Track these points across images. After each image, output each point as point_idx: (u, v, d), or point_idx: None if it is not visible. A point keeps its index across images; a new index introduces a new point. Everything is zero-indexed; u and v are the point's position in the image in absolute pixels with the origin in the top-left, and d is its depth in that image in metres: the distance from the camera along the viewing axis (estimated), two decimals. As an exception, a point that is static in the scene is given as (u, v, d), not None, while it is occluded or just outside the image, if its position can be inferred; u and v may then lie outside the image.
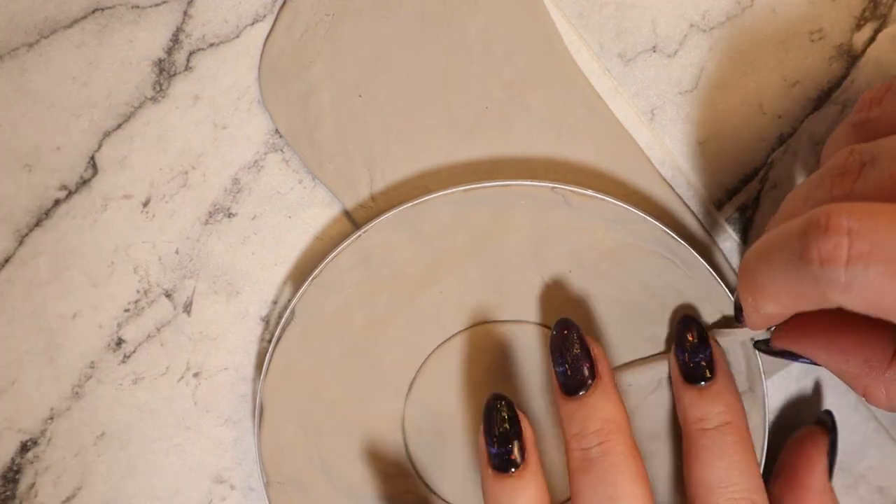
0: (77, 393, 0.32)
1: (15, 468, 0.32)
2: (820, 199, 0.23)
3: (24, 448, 0.32)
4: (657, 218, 0.31)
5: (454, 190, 0.30)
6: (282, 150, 0.32)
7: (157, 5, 0.31)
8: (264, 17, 0.31)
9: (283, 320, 0.31)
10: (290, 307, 0.31)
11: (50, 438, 0.32)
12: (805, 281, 0.21)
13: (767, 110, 0.32)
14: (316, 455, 0.31)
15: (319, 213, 0.32)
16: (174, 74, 0.31)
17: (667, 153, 0.32)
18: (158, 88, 0.31)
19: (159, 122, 0.31)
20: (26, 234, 0.31)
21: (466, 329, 0.32)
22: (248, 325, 0.33)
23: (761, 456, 0.31)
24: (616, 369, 0.31)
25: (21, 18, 0.30)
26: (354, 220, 0.32)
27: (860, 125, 0.25)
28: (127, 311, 0.32)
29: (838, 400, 0.34)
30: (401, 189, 0.32)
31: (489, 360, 0.32)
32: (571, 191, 0.30)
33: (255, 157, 0.32)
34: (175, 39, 0.31)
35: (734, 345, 0.31)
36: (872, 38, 0.32)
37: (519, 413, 0.28)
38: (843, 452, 0.34)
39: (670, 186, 0.32)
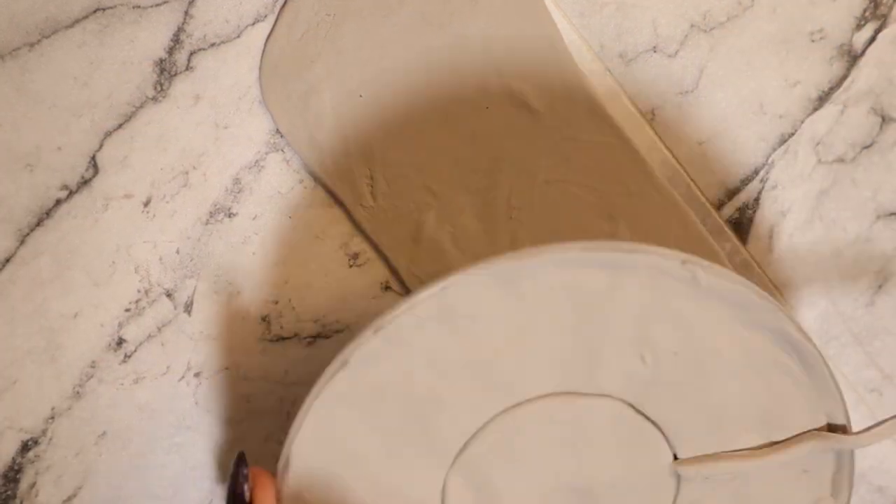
0: (78, 392, 0.32)
1: (16, 467, 0.32)
2: None
3: (25, 447, 0.32)
4: (789, 311, 0.28)
5: (569, 247, 0.26)
6: (283, 150, 0.32)
7: (158, 5, 0.31)
8: (265, 17, 0.31)
9: (330, 369, 0.27)
10: (343, 356, 0.26)
11: (51, 438, 0.32)
12: None
13: (768, 110, 0.32)
14: None
15: (320, 213, 0.32)
16: (175, 74, 0.31)
17: (667, 153, 0.32)
18: (159, 88, 0.31)
19: (160, 121, 0.31)
20: (28, 234, 0.31)
21: (540, 397, 0.28)
22: (248, 325, 0.33)
23: None
24: (699, 458, 0.29)
25: (22, 18, 0.30)
26: (355, 220, 0.32)
27: None
28: (128, 310, 0.32)
29: (838, 400, 0.34)
30: (401, 189, 0.32)
31: (558, 435, 0.28)
32: (703, 268, 0.26)
33: (255, 156, 0.32)
34: (176, 39, 0.31)
35: (827, 452, 0.28)
36: (873, 38, 0.32)
37: (252, 474, 0.27)
38: (843, 452, 0.34)
39: (670, 186, 0.32)
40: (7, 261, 0.32)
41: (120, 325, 0.32)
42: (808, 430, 0.28)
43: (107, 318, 0.32)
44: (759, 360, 0.28)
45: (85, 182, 0.31)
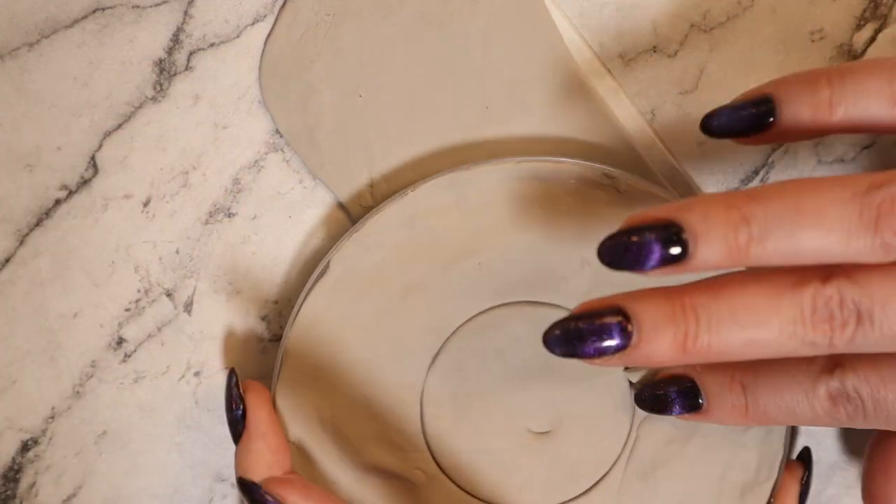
0: (78, 392, 0.32)
1: (16, 467, 0.32)
2: None
3: (25, 447, 0.32)
4: None
5: (507, 160, 0.30)
6: (282, 150, 0.32)
7: (157, 5, 0.31)
8: (265, 16, 0.31)
9: (315, 272, 0.30)
10: (326, 260, 0.30)
11: (51, 438, 0.32)
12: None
13: (768, 110, 0.32)
14: (328, 416, 0.31)
15: (320, 213, 0.32)
16: (175, 74, 0.31)
17: (667, 153, 0.32)
18: (159, 88, 0.31)
19: (160, 121, 0.31)
20: (27, 234, 0.31)
21: (500, 306, 0.31)
22: (248, 324, 0.33)
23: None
24: (641, 368, 0.30)
25: (22, 18, 0.30)
26: (355, 220, 0.32)
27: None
28: (128, 310, 0.32)
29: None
30: (401, 189, 0.32)
31: (520, 341, 0.31)
32: (622, 176, 0.30)
33: (255, 156, 0.32)
34: (175, 39, 0.31)
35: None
36: (873, 39, 0.32)
37: (243, 384, 0.30)
38: (842, 452, 0.34)
39: (671, 186, 0.32)
40: (7, 261, 0.32)
41: (120, 325, 0.32)
42: None
43: (106, 318, 0.32)
44: None
45: (84, 182, 0.31)
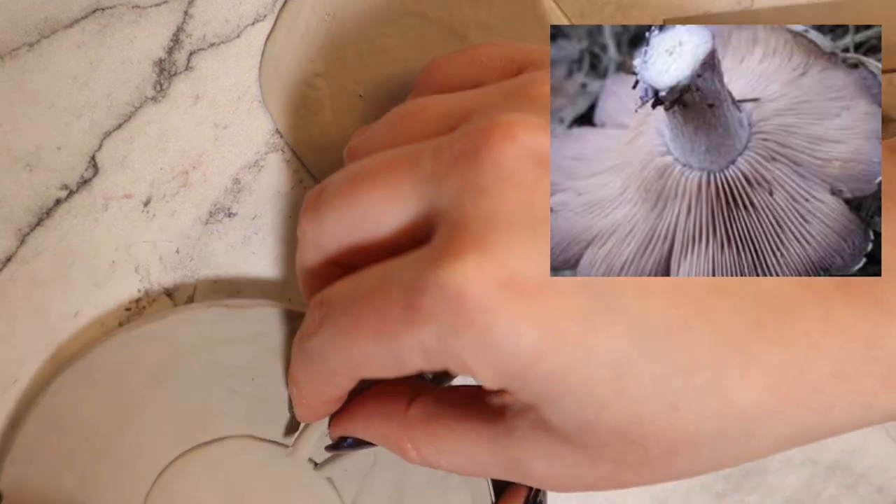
0: (78, 392, 0.32)
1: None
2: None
3: (26, 447, 0.32)
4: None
5: (116, 332, 0.30)
6: (282, 150, 0.32)
7: (157, 5, 0.31)
8: (265, 16, 0.31)
9: (31, 410, 0.30)
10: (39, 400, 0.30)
11: (52, 437, 0.32)
12: (307, 359, 0.23)
13: (768, 110, 0.32)
14: None
15: (320, 212, 0.32)
16: (175, 74, 0.31)
17: (667, 153, 0.32)
18: (159, 88, 0.31)
19: (160, 121, 0.31)
20: (27, 234, 0.32)
21: (175, 460, 0.31)
22: (248, 324, 0.33)
23: None
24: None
25: (21, 18, 0.30)
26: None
27: (349, 151, 0.26)
28: (128, 309, 0.32)
29: (838, 400, 0.34)
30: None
31: (207, 483, 0.31)
32: (242, 303, 0.31)
33: (255, 156, 0.32)
34: (176, 39, 0.31)
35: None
36: (874, 39, 0.32)
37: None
38: (842, 452, 0.34)
39: (671, 186, 0.32)
40: (7, 260, 0.32)
41: (120, 325, 0.32)
42: None
43: (107, 318, 0.32)
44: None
45: (85, 182, 0.31)
